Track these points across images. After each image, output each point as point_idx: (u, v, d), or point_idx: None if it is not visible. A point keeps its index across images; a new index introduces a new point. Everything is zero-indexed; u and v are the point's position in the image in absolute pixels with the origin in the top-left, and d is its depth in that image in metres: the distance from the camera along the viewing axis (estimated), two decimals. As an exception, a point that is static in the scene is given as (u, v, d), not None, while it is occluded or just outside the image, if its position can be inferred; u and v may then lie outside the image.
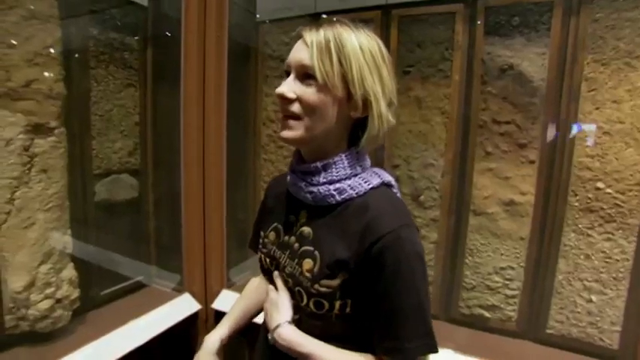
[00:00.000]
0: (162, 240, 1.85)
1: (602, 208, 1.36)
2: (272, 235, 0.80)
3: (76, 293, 1.43)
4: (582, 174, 1.38)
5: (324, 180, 0.71)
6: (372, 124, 0.68)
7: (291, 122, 0.68)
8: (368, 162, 0.75)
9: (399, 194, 0.77)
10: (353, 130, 0.72)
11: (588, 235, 1.39)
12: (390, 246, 0.64)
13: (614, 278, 1.36)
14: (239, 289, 1.85)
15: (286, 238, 0.77)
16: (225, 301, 1.76)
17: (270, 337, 0.73)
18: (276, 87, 0.69)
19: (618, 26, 1.30)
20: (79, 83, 1.53)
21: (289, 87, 0.67)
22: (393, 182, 0.76)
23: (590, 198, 1.37)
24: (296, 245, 0.74)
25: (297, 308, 0.74)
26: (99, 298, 1.65)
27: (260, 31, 1.87)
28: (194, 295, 1.76)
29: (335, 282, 0.68)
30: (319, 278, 0.69)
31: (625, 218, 1.32)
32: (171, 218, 1.81)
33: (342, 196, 0.70)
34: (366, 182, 0.71)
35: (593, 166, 1.36)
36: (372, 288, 0.66)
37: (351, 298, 0.69)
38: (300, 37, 0.69)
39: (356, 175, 0.72)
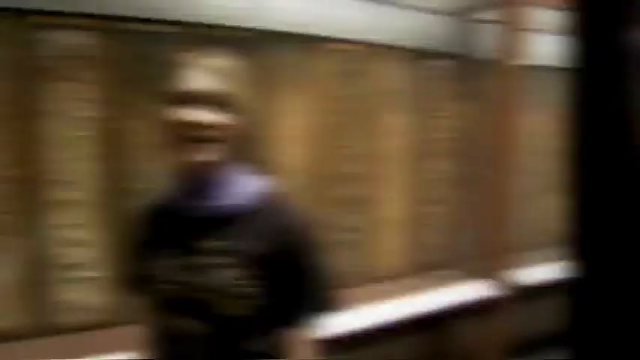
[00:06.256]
0: None
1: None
2: (171, 263, 0.77)
3: None
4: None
5: (222, 192, 0.76)
6: None
7: None
8: (249, 167, 0.81)
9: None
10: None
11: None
12: (301, 231, 0.80)
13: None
14: None
15: (194, 258, 0.76)
16: None
17: None
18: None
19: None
20: None
21: None
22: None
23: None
24: (207, 260, 0.75)
25: (212, 319, 0.73)
26: None
27: None
28: None
29: (262, 279, 0.74)
30: (247, 279, 0.73)
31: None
32: None
33: (241, 202, 0.76)
34: (255, 187, 0.79)
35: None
36: (296, 267, 0.77)
37: (269, 288, 0.75)
38: None
39: (244, 182, 0.79)
